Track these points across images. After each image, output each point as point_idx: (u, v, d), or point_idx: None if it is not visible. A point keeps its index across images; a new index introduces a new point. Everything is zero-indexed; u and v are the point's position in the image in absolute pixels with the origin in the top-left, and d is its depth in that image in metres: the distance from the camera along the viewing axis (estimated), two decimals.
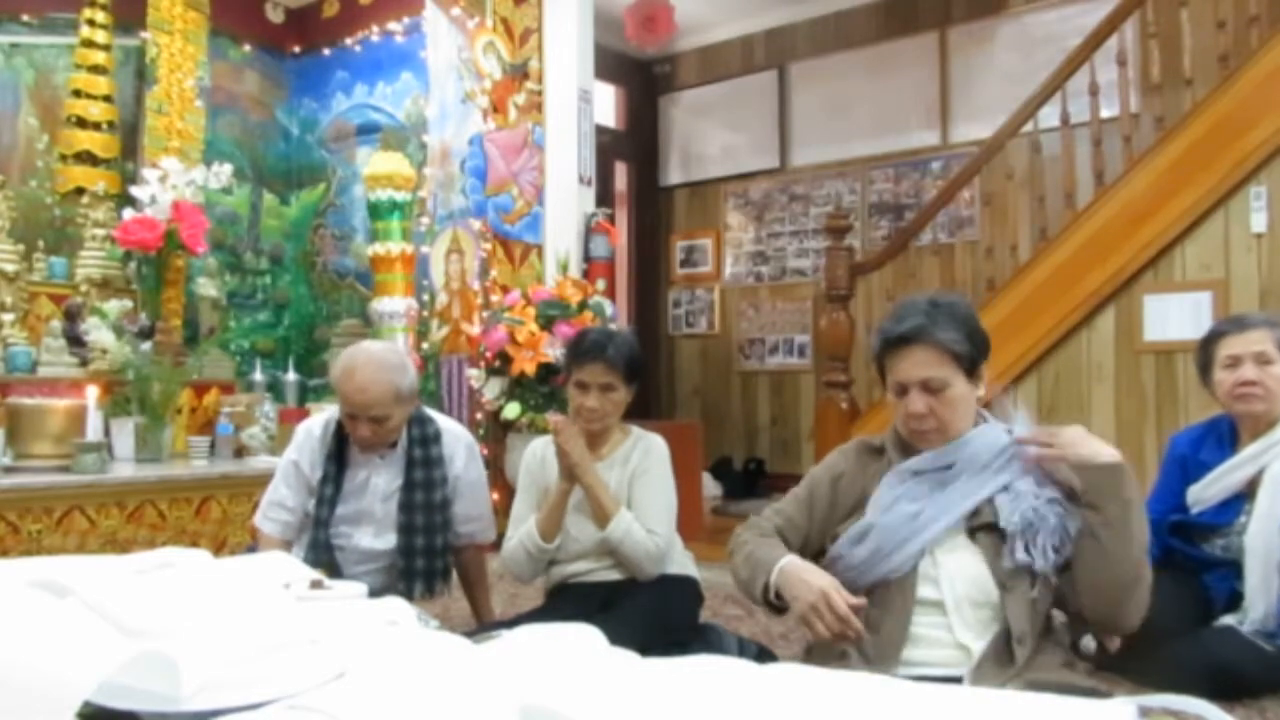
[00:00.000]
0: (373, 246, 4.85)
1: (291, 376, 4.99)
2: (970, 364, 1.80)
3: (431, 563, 2.53)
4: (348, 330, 5.09)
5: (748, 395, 7.01)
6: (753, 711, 0.95)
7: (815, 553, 1.94)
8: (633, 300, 7.30)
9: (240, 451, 4.11)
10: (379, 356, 2.46)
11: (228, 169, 4.57)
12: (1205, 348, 2.51)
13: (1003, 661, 1.67)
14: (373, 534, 2.54)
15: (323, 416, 2.62)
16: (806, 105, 6.78)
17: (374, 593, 2.27)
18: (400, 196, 4.77)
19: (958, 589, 1.74)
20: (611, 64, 6.77)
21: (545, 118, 5.16)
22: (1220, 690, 2.10)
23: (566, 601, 2.41)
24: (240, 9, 5.46)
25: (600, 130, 5.84)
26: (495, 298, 4.74)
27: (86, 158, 4.55)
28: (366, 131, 5.51)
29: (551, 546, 2.42)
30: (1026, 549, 1.70)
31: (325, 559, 2.45)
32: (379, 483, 2.54)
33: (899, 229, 5.89)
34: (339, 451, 2.53)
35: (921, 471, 1.82)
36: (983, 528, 1.77)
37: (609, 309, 4.65)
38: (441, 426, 2.62)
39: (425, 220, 5.00)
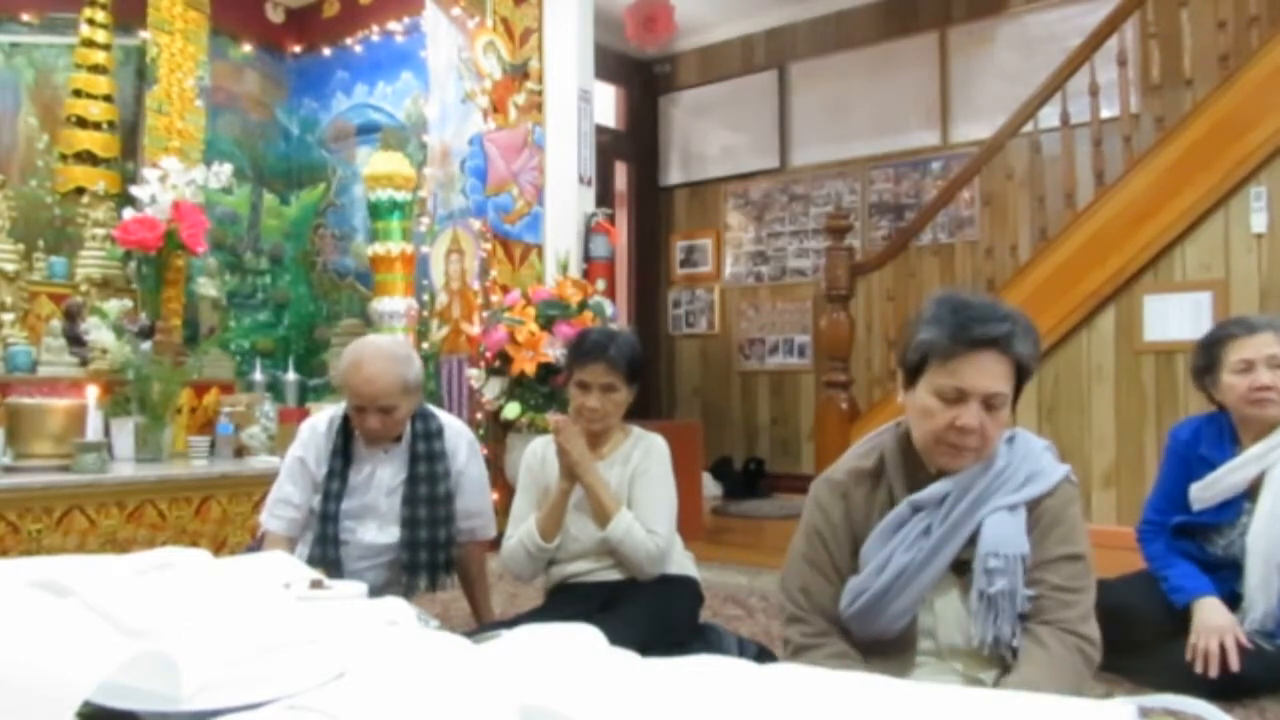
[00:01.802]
0: (373, 246, 4.85)
1: (291, 376, 4.99)
2: (1022, 386, 1.64)
3: (435, 556, 2.55)
4: (348, 330, 5.09)
5: (748, 395, 7.01)
6: (753, 711, 0.95)
7: None
8: (633, 300, 7.30)
9: (240, 451, 4.11)
10: (386, 349, 2.50)
11: (228, 169, 4.57)
12: (1209, 350, 2.48)
13: None
14: (376, 528, 2.55)
15: (327, 413, 2.64)
16: (806, 105, 6.78)
17: (377, 588, 2.29)
18: (400, 196, 4.77)
19: (955, 639, 1.65)
20: (611, 64, 6.77)
21: (545, 118, 5.16)
22: (1220, 690, 2.10)
23: (566, 601, 2.41)
24: (240, 9, 5.46)
25: (600, 130, 5.84)
26: (495, 298, 4.74)
27: (86, 157, 4.55)
28: (366, 131, 5.51)
29: (551, 546, 2.43)
30: (984, 623, 1.60)
31: (333, 554, 2.47)
32: (383, 477, 2.56)
33: (899, 229, 5.89)
34: (344, 447, 2.55)
35: (920, 507, 1.65)
36: (967, 565, 1.64)
37: (609, 309, 4.65)
38: (444, 422, 2.65)
39: (425, 220, 5.00)
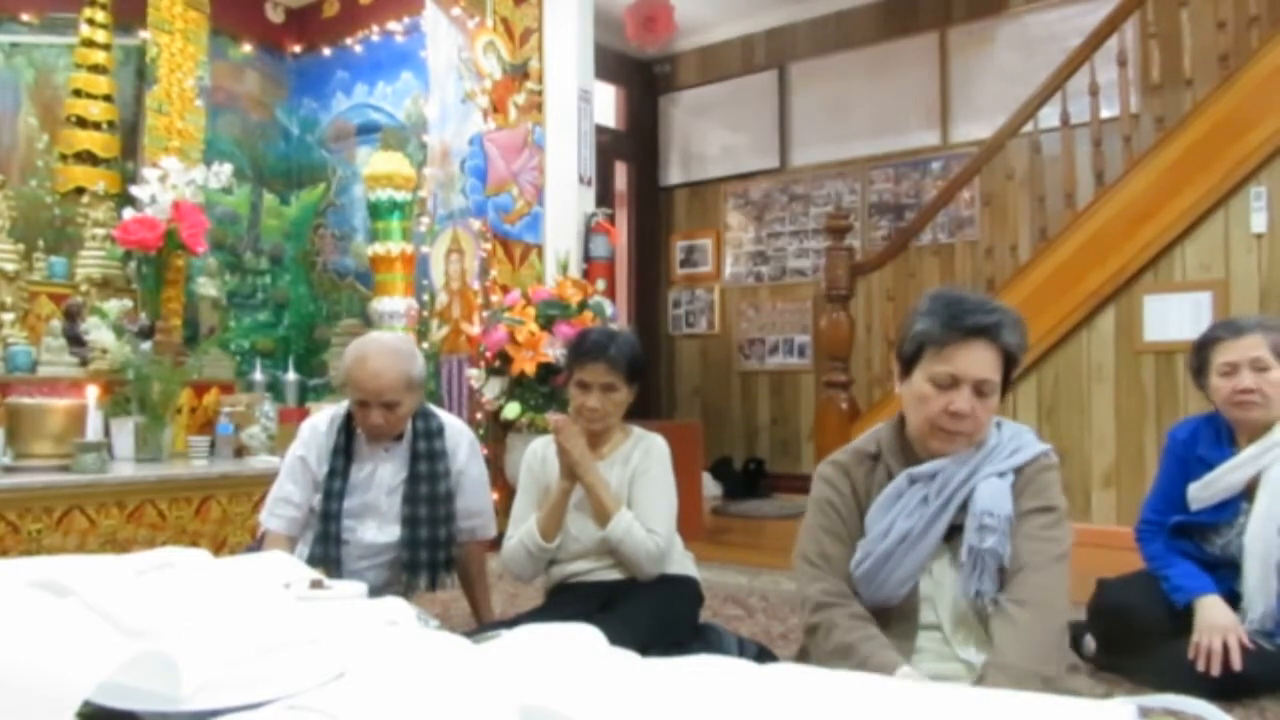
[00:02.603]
0: (373, 246, 4.85)
1: (291, 376, 4.99)
2: (1011, 375, 1.73)
3: (435, 555, 2.55)
4: (348, 330, 5.09)
5: (748, 395, 7.01)
6: (753, 711, 0.95)
7: None
8: (633, 300, 7.30)
9: (240, 451, 4.11)
10: (391, 344, 2.51)
11: (228, 169, 4.57)
12: (1200, 352, 2.51)
13: None
14: (377, 528, 2.56)
15: (328, 413, 2.64)
16: (806, 105, 6.78)
17: (378, 587, 2.29)
18: (400, 196, 4.77)
19: (956, 609, 1.70)
20: (611, 64, 6.77)
21: (545, 118, 5.16)
22: (1220, 690, 2.10)
23: (566, 601, 2.41)
24: (240, 9, 5.46)
25: (600, 130, 5.84)
26: (495, 298, 4.74)
27: (86, 157, 4.55)
28: (366, 131, 5.51)
29: (552, 546, 2.43)
30: (969, 578, 1.67)
31: (334, 553, 2.47)
32: (384, 475, 2.56)
33: (899, 229, 5.89)
34: (346, 446, 2.55)
35: (917, 479, 1.74)
36: (957, 530, 1.72)
37: (609, 309, 4.65)
38: (445, 421, 2.65)
39: (425, 220, 5.00)
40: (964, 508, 1.71)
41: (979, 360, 1.67)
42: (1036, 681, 1.52)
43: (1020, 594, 1.64)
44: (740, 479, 6.56)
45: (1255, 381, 2.36)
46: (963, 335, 1.67)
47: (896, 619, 1.72)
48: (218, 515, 3.75)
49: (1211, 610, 2.32)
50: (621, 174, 7.38)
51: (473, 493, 2.68)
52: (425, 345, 4.87)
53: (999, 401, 1.73)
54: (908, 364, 1.76)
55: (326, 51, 5.69)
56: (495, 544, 2.75)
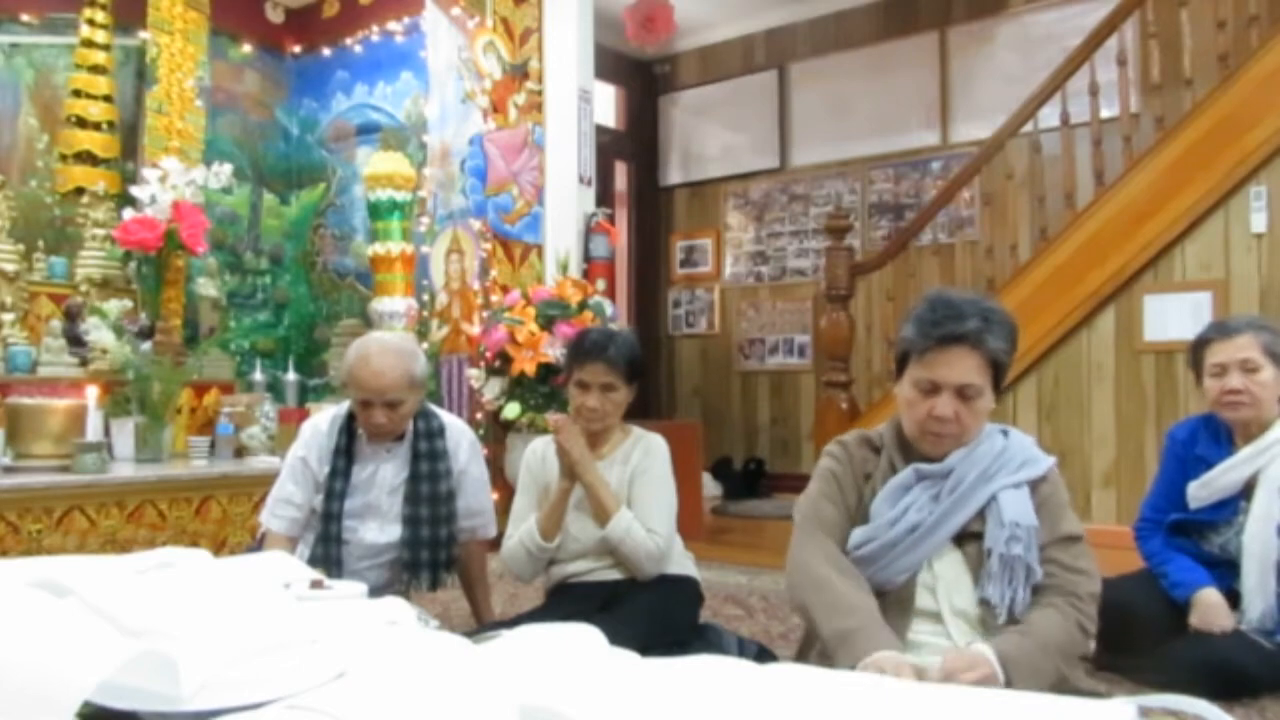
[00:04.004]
0: (373, 246, 4.85)
1: (291, 376, 4.99)
2: (1001, 376, 1.76)
3: (436, 555, 2.55)
4: (348, 330, 5.09)
5: (748, 395, 7.01)
6: (753, 711, 0.95)
7: None
8: (633, 300, 7.30)
9: (240, 451, 4.11)
10: (393, 344, 2.51)
11: (228, 169, 4.57)
12: (1194, 353, 2.53)
13: None
14: (378, 528, 2.55)
15: (329, 413, 2.64)
16: (806, 105, 6.78)
17: (378, 587, 2.29)
18: (400, 196, 4.77)
19: (954, 600, 1.73)
20: (611, 64, 6.77)
21: (545, 118, 5.16)
22: (1220, 689, 2.10)
23: (566, 601, 2.41)
24: (240, 9, 5.46)
25: (600, 130, 5.84)
26: (495, 298, 4.74)
27: (86, 158, 4.55)
28: (366, 131, 5.51)
29: (552, 545, 2.43)
30: (1002, 584, 1.69)
31: (335, 553, 2.47)
32: (386, 475, 2.56)
33: (899, 229, 5.90)
34: (347, 446, 2.55)
35: (925, 477, 1.78)
36: (970, 536, 1.74)
37: (609, 309, 4.65)
38: (445, 421, 2.65)
39: (425, 220, 5.00)
40: (979, 514, 1.74)
41: (959, 366, 1.71)
42: (1054, 666, 1.57)
43: (1066, 601, 1.68)
44: (740, 479, 6.56)
45: (1243, 382, 2.37)
46: (940, 343, 1.71)
47: (893, 603, 1.74)
48: (218, 515, 3.75)
49: (1205, 611, 2.34)
50: (621, 174, 7.38)
51: (473, 492, 2.68)
52: (425, 345, 4.87)
53: (993, 402, 1.76)
54: (899, 367, 1.82)
55: (326, 51, 5.69)
56: (495, 544, 2.75)
